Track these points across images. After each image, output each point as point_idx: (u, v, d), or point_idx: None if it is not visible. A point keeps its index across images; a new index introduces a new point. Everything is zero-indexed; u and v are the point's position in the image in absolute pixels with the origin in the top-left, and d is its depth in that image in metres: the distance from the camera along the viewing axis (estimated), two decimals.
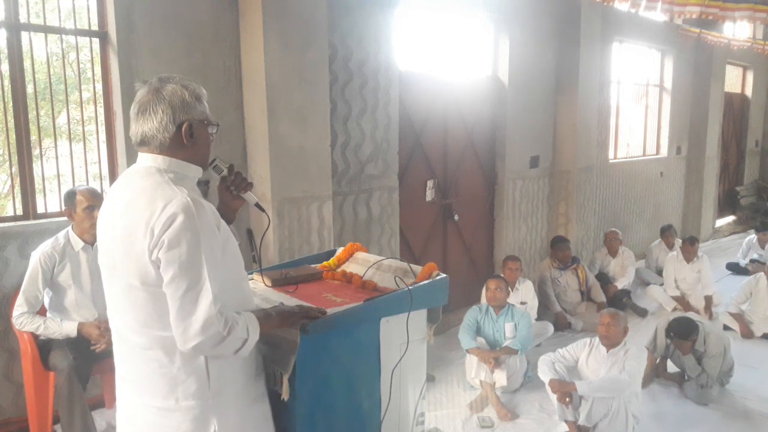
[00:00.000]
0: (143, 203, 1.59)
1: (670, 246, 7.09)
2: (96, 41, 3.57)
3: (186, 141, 1.68)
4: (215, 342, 1.59)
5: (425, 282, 2.31)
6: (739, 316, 5.55)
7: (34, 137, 4.69)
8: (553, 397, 3.68)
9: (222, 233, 1.69)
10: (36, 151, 5.21)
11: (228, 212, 1.97)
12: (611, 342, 3.76)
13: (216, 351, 1.62)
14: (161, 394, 1.70)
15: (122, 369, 1.79)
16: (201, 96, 1.74)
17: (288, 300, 2.21)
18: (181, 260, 1.55)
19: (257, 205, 2.03)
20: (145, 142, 1.68)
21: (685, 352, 4.24)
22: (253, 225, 3.89)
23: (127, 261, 1.61)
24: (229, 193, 1.96)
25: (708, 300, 6.14)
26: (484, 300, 4.65)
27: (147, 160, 1.68)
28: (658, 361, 4.51)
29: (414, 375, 2.32)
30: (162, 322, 1.62)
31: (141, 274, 1.60)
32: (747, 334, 5.40)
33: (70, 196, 3.14)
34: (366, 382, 2.17)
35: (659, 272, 6.75)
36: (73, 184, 3.59)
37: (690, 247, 6.22)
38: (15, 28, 3.33)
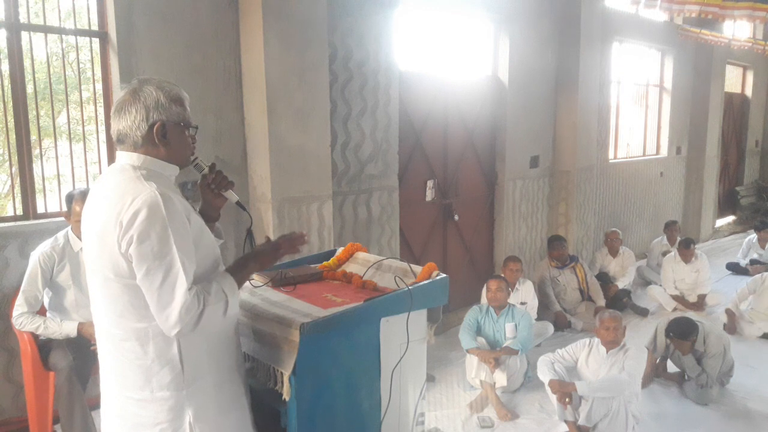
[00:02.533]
0: (115, 198, 1.66)
1: (673, 241, 7.09)
2: (96, 41, 3.57)
3: (158, 140, 1.74)
4: (195, 321, 1.65)
5: (425, 282, 2.31)
6: (732, 314, 5.54)
7: (34, 137, 4.69)
8: (553, 397, 3.68)
9: (194, 227, 1.74)
10: (36, 151, 5.21)
11: (210, 210, 2.03)
12: (616, 344, 3.76)
13: (200, 327, 1.68)
14: (138, 385, 1.75)
15: (105, 362, 1.85)
16: (179, 99, 1.79)
17: (288, 300, 2.21)
18: (153, 252, 1.62)
19: (238, 204, 2.06)
20: (121, 140, 1.76)
21: (684, 352, 4.24)
22: (254, 225, 3.89)
23: (102, 254, 1.68)
24: (210, 191, 2.00)
25: (700, 298, 6.16)
26: (484, 300, 4.65)
27: (123, 157, 1.76)
28: (658, 361, 4.51)
29: (414, 375, 2.32)
30: (136, 313, 1.69)
31: (114, 266, 1.66)
32: (732, 330, 5.39)
33: (70, 199, 3.14)
34: (366, 382, 2.17)
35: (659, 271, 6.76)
36: (73, 184, 3.59)
37: (686, 251, 6.22)
38: (15, 28, 3.33)
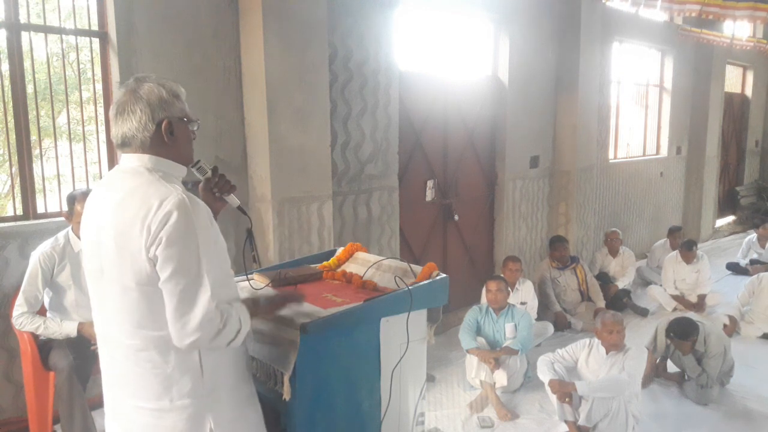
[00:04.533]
0: (137, 202, 1.59)
1: (675, 248, 7.07)
2: (96, 41, 3.57)
3: (167, 139, 1.68)
4: (212, 336, 1.61)
5: (425, 282, 2.31)
6: (734, 321, 5.52)
7: (34, 137, 4.69)
8: (553, 397, 3.68)
9: (214, 230, 1.71)
10: (36, 151, 5.21)
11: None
12: (617, 347, 3.75)
13: (212, 344, 1.64)
14: (155, 395, 1.69)
15: (113, 373, 1.78)
16: (179, 94, 1.74)
17: None
18: (180, 256, 1.57)
19: (239, 208, 2.04)
20: (126, 143, 1.69)
21: (685, 352, 4.23)
22: (254, 225, 3.89)
23: (121, 261, 1.61)
24: (211, 194, 1.96)
25: (701, 299, 6.16)
26: (484, 300, 4.65)
27: (132, 160, 1.69)
28: (658, 361, 4.51)
29: (414, 375, 2.32)
30: (156, 322, 1.63)
31: (136, 273, 1.60)
32: (730, 332, 5.34)
33: (71, 200, 3.14)
34: (366, 382, 2.17)
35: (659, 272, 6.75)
36: (73, 184, 3.59)
37: (688, 252, 6.21)
38: (15, 28, 3.33)
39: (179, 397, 1.69)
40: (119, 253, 1.61)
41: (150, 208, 1.56)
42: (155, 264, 1.58)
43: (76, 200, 3.09)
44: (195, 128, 1.79)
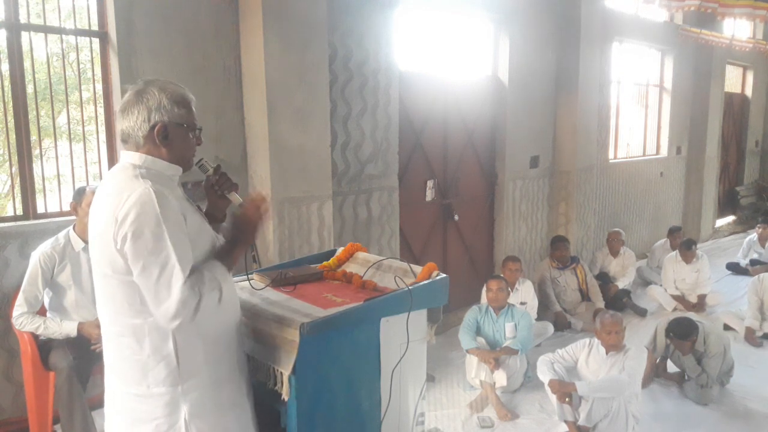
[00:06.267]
0: (113, 196, 1.70)
1: (676, 247, 7.06)
2: (96, 41, 3.57)
3: (159, 141, 1.77)
4: (193, 313, 1.68)
5: (425, 282, 2.31)
6: (752, 332, 5.30)
7: (34, 137, 4.69)
8: (553, 397, 3.68)
9: (190, 226, 1.76)
10: (36, 151, 5.21)
11: (215, 211, 2.05)
12: (617, 347, 3.75)
13: (198, 315, 1.70)
14: (135, 380, 1.79)
15: (108, 358, 1.88)
16: (184, 100, 1.80)
17: (288, 300, 2.22)
18: (148, 248, 1.64)
19: (241, 206, 2.04)
20: (124, 140, 1.80)
21: (684, 352, 4.23)
22: None
23: (101, 250, 1.73)
24: (213, 192, 2.03)
25: (701, 299, 6.15)
26: (484, 300, 4.65)
27: (126, 156, 1.80)
28: (658, 361, 4.51)
29: (414, 375, 2.32)
30: (132, 309, 1.72)
31: (111, 262, 1.70)
32: (752, 341, 5.25)
33: (80, 192, 3.15)
34: (366, 382, 2.17)
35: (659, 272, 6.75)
36: (73, 184, 3.59)
37: (687, 252, 6.21)
38: (15, 28, 3.33)
39: (155, 384, 1.77)
40: (100, 244, 1.72)
41: (120, 202, 1.67)
42: (126, 258, 1.66)
43: (86, 189, 3.12)
44: (194, 135, 1.85)
